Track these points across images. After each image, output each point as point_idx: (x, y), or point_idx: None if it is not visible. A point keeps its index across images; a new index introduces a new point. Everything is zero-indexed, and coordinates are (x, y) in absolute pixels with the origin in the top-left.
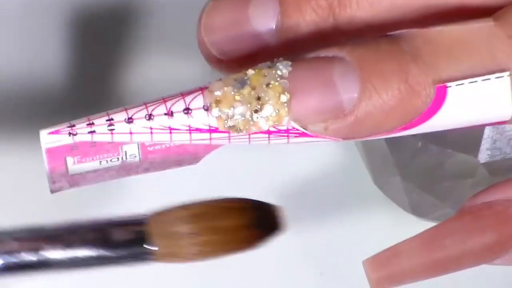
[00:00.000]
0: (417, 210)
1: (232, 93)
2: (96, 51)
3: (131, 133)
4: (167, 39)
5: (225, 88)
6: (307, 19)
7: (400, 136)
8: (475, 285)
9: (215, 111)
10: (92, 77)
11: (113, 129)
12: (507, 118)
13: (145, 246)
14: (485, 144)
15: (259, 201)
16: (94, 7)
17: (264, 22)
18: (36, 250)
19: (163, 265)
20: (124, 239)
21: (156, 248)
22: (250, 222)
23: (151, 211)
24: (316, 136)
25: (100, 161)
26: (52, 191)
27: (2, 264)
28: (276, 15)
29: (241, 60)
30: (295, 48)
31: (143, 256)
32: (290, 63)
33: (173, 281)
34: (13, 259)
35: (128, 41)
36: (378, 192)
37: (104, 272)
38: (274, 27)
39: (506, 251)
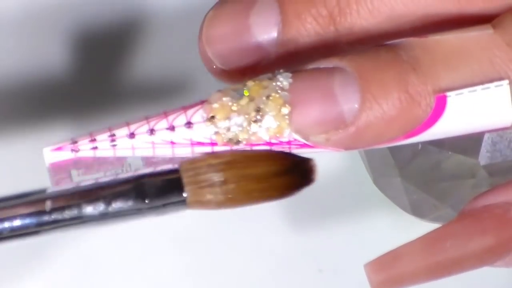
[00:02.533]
0: (417, 211)
1: (230, 103)
2: (98, 59)
3: (133, 148)
4: (170, 49)
5: (224, 99)
6: (308, 27)
7: None
8: (475, 286)
9: (210, 126)
10: (94, 81)
11: (115, 145)
12: (507, 125)
13: (177, 194)
14: (485, 146)
15: (291, 153)
16: (95, 16)
17: (265, 31)
18: (73, 207)
19: (164, 264)
20: (157, 189)
21: (187, 196)
22: (281, 170)
23: (183, 160)
24: (318, 147)
25: (105, 173)
26: None
27: (39, 223)
28: (277, 24)
29: (243, 70)
30: (297, 57)
31: (175, 205)
32: (290, 74)
33: (174, 280)
34: (50, 218)
35: (129, 49)
36: (378, 193)
37: (104, 271)
38: (275, 36)
39: (507, 253)
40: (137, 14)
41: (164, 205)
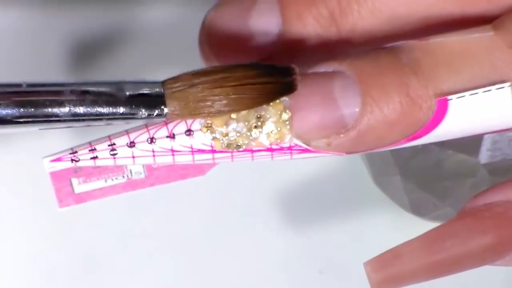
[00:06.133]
0: (416, 210)
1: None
2: (97, 65)
3: (133, 157)
4: (168, 53)
5: None
6: (309, 28)
7: None
8: (475, 285)
9: (207, 133)
10: None
11: (116, 154)
12: (509, 127)
13: (158, 103)
14: (485, 145)
15: (272, 66)
16: (92, 22)
17: (266, 32)
18: (54, 103)
19: (164, 265)
20: (139, 95)
21: (169, 104)
22: (262, 75)
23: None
24: (319, 152)
25: (106, 180)
26: (60, 208)
27: (20, 113)
28: (278, 25)
29: None
30: (298, 58)
31: (157, 111)
32: None
33: (174, 280)
34: (31, 109)
35: (127, 54)
36: (378, 191)
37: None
38: (276, 38)
39: (507, 252)
40: (135, 20)
41: (146, 115)
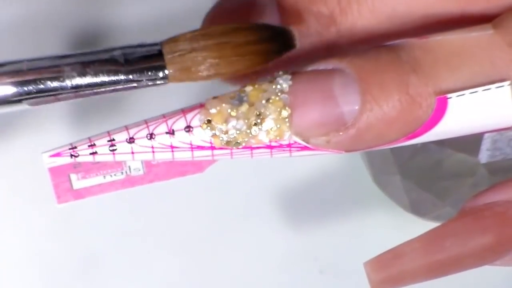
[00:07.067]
0: (416, 209)
1: (229, 110)
2: None
3: (132, 152)
4: None
5: (223, 105)
6: (310, 27)
7: None
8: (475, 285)
9: (207, 130)
10: None
11: (115, 150)
12: (509, 126)
13: (158, 64)
14: (485, 144)
15: (269, 24)
16: (93, 20)
17: None
18: (55, 76)
19: (165, 265)
20: (138, 59)
21: (170, 69)
22: (260, 38)
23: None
24: (319, 149)
25: (104, 176)
26: (58, 204)
27: (22, 91)
28: (277, 23)
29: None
30: (298, 57)
31: (157, 74)
32: (290, 77)
33: (174, 280)
34: (33, 87)
35: None
36: (377, 191)
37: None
38: None
39: (507, 252)
40: (135, 16)
41: (143, 70)
